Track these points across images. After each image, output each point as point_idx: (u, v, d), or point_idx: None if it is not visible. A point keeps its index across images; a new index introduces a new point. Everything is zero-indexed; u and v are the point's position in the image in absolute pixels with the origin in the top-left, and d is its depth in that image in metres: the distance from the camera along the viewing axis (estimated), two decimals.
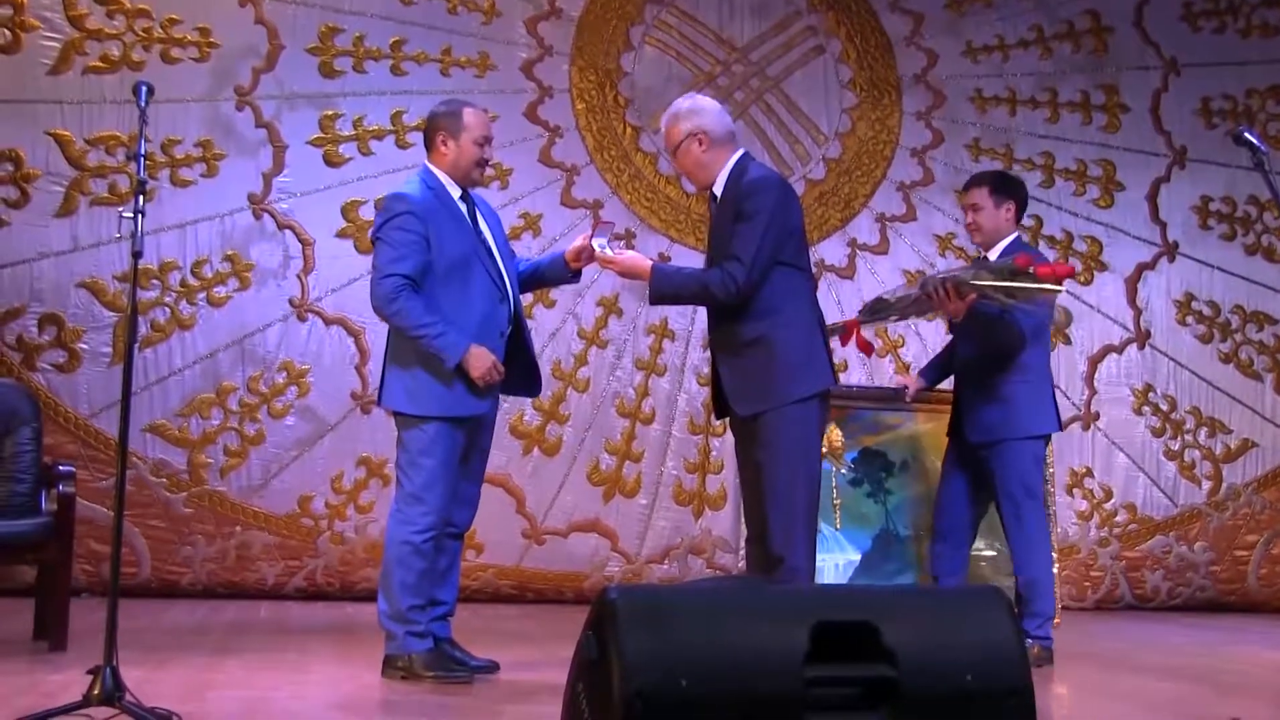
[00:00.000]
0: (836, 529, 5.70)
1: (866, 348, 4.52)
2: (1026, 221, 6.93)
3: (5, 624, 4.67)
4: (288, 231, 6.15)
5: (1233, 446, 6.95)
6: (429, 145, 3.99)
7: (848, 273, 6.74)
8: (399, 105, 6.30)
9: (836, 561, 5.71)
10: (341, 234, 6.18)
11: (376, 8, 6.32)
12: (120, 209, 3.12)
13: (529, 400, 6.14)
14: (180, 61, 6.07)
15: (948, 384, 4.72)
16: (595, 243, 3.90)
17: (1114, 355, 6.95)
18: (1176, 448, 6.92)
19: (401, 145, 6.24)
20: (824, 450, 5.54)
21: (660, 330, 6.54)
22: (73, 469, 4.57)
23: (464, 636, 4.04)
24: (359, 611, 5.48)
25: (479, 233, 3.95)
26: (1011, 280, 4.06)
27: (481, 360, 3.76)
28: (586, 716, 1.93)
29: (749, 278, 3.65)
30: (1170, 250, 7.05)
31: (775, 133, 6.79)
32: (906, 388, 4.76)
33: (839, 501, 5.66)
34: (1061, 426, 4.63)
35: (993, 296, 4.11)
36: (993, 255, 4.47)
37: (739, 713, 1.83)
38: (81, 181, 5.90)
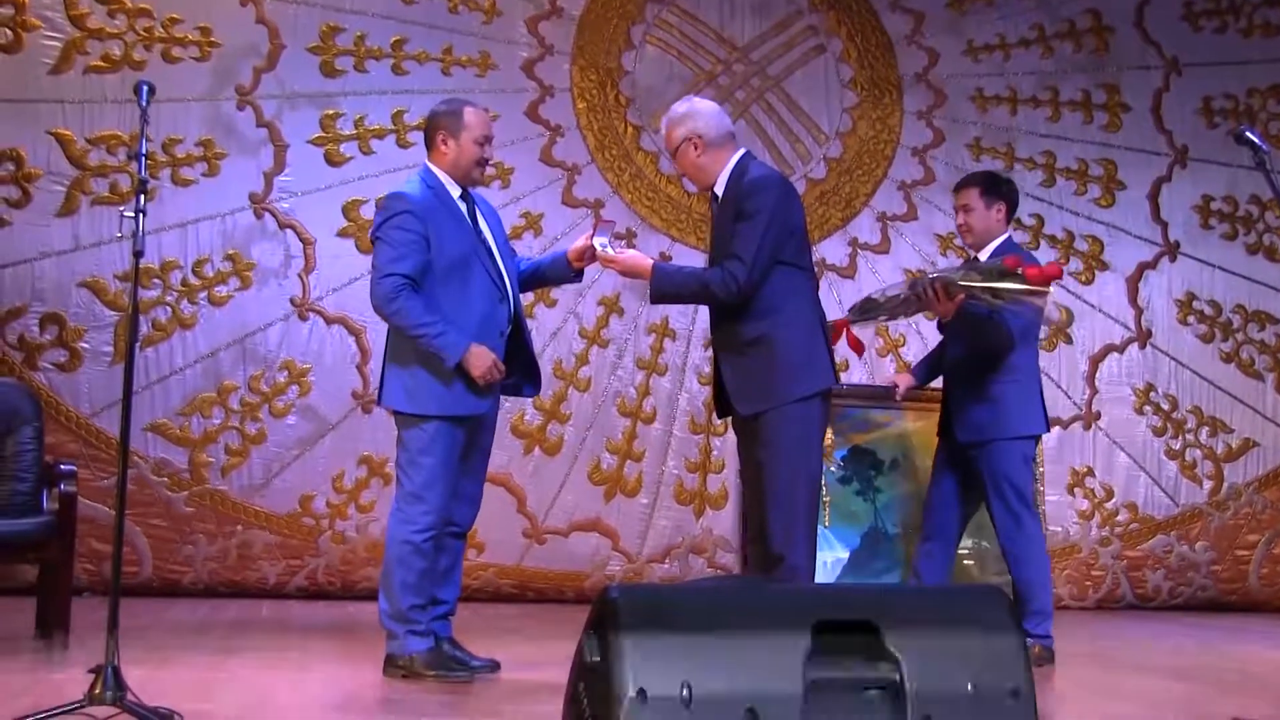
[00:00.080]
0: (825, 526, 5.72)
1: (858, 346, 4.53)
2: (1028, 221, 6.95)
3: (7, 623, 4.67)
4: (289, 231, 6.15)
5: (1234, 446, 6.95)
6: (429, 144, 3.99)
7: (849, 272, 6.74)
8: (400, 104, 6.30)
9: (825, 559, 5.72)
10: (343, 233, 6.18)
11: (377, 7, 6.33)
12: (121, 208, 3.12)
13: (530, 399, 6.15)
14: (181, 61, 6.07)
15: (938, 383, 4.73)
16: (597, 242, 3.90)
17: (1115, 354, 6.95)
18: (1178, 447, 6.92)
19: (402, 144, 6.25)
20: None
21: (661, 329, 6.54)
22: (74, 468, 4.58)
23: (465, 636, 4.04)
24: (360, 611, 5.49)
25: (479, 232, 3.95)
26: (1000, 281, 4.07)
27: (482, 359, 3.76)
28: (587, 716, 1.93)
29: (750, 277, 3.65)
30: (1171, 249, 7.05)
31: (776, 132, 6.79)
32: (897, 386, 4.77)
33: (828, 499, 5.68)
34: (1049, 427, 4.62)
35: (981, 297, 4.12)
36: (983, 256, 4.48)
37: (740, 712, 1.83)
38: (83, 181, 5.90)
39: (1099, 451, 6.86)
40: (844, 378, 6.24)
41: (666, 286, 3.84)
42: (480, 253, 3.90)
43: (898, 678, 1.89)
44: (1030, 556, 4.36)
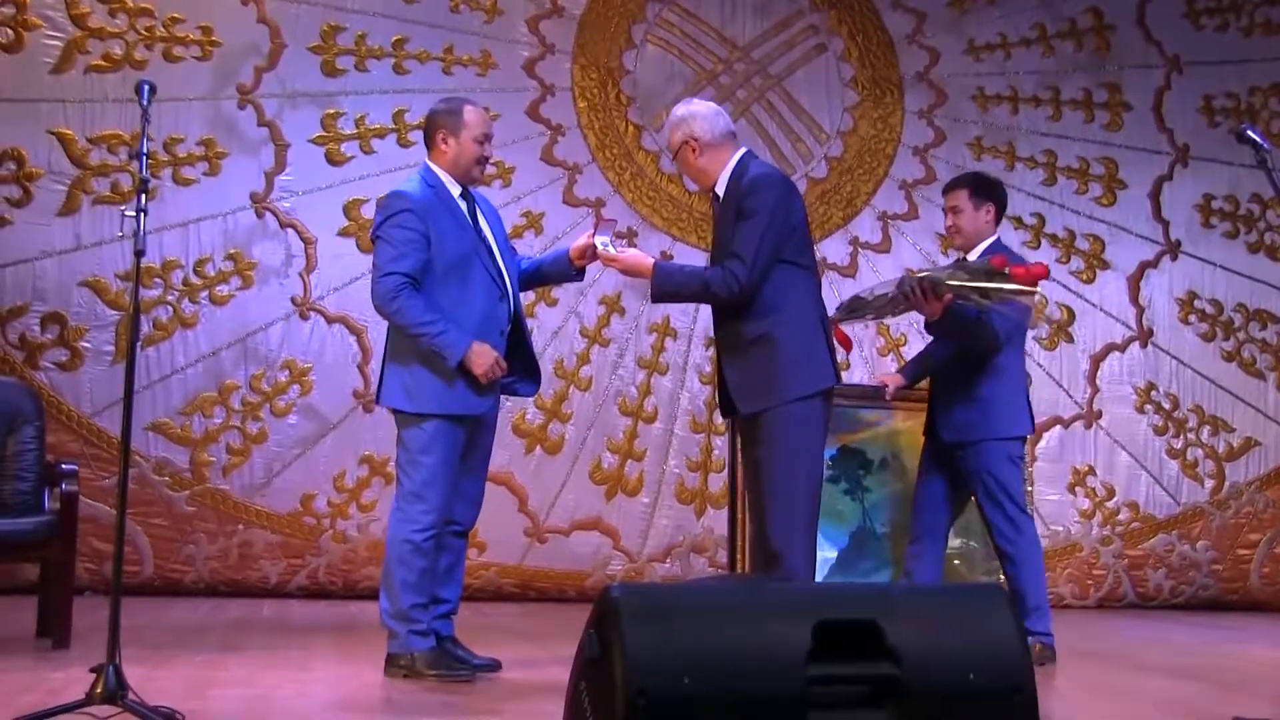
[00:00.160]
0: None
1: (847, 342, 4.54)
2: (1029, 220, 6.95)
3: (8, 622, 4.68)
4: (290, 230, 6.15)
5: (1235, 445, 6.95)
6: (429, 143, 3.99)
7: (850, 271, 6.73)
8: (401, 104, 6.30)
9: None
10: (343, 232, 6.18)
11: (378, 6, 6.33)
12: (122, 208, 3.12)
13: (531, 399, 6.14)
14: (182, 60, 6.07)
15: (928, 383, 4.73)
16: (598, 240, 3.90)
17: (1116, 353, 6.95)
18: (1179, 446, 6.91)
19: (403, 144, 6.25)
20: None
21: (662, 329, 6.54)
22: (75, 467, 4.57)
23: (466, 635, 4.04)
24: (361, 610, 5.49)
25: (479, 231, 3.95)
26: (987, 281, 4.08)
27: (484, 357, 3.76)
28: (589, 715, 1.93)
29: (750, 276, 3.65)
30: (1173, 248, 7.05)
31: (777, 131, 6.79)
32: (886, 386, 4.77)
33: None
34: (1035, 428, 4.63)
35: (968, 297, 4.12)
36: (972, 257, 4.49)
37: (741, 711, 1.83)
38: (84, 180, 5.90)
39: (1100, 450, 6.86)
40: (844, 376, 6.24)
41: (667, 285, 3.84)
42: (480, 251, 3.90)
43: (899, 676, 1.89)
44: (1027, 557, 4.36)
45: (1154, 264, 7.03)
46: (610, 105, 6.60)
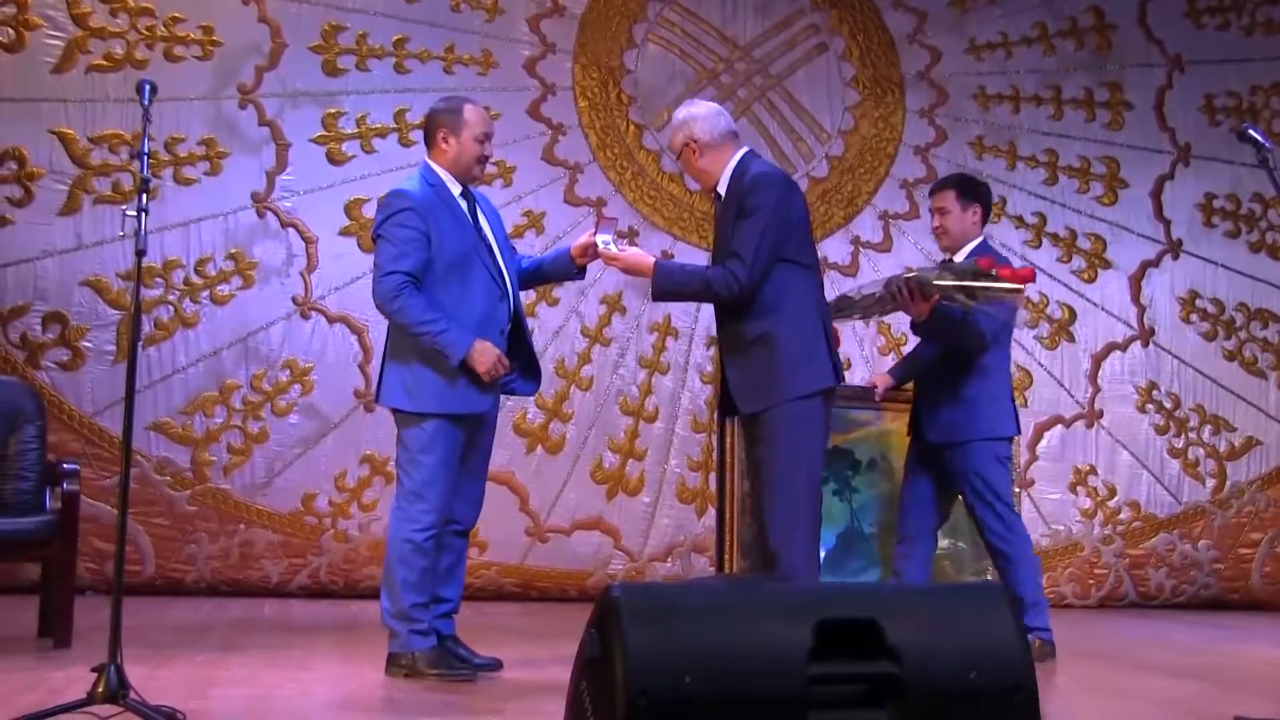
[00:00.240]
0: None
1: (835, 339, 4.55)
2: (1030, 219, 6.95)
3: (10, 621, 4.68)
4: (291, 229, 6.15)
5: (1236, 444, 6.94)
6: (429, 142, 3.99)
7: (851, 270, 6.73)
8: (402, 103, 6.30)
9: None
10: (344, 232, 6.18)
11: (379, 5, 6.33)
12: (124, 207, 3.11)
13: (532, 398, 6.14)
14: (183, 60, 6.07)
15: None
16: (599, 239, 3.91)
17: (1118, 353, 6.94)
18: (1180, 445, 6.91)
19: (404, 143, 6.25)
20: None
21: (663, 328, 6.54)
22: (77, 467, 4.56)
23: (467, 634, 4.04)
24: (362, 609, 5.49)
25: (479, 230, 3.95)
26: (974, 281, 4.08)
27: (486, 355, 3.76)
28: (590, 714, 1.93)
29: (750, 275, 3.65)
30: (1174, 248, 7.04)
31: (778, 130, 6.78)
32: (875, 387, 4.77)
33: None
34: (1020, 429, 4.66)
35: (954, 297, 4.13)
36: (959, 258, 4.51)
37: (742, 710, 1.82)
38: (85, 180, 5.90)
39: (1101, 449, 6.86)
40: (846, 376, 6.24)
41: (668, 284, 3.85)
42: (481, 250, 3.90)
43: (899, 675, 1.89)
44: (1022, 554, 4.38)
45: (1155, 263, 7.02)
46: (611, 104, 6.60)
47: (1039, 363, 6.87)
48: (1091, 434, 6.87)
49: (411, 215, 3.80)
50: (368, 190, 6.08)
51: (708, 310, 6.31)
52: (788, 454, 3.66)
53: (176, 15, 6.06)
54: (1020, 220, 6.94)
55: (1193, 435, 6.93)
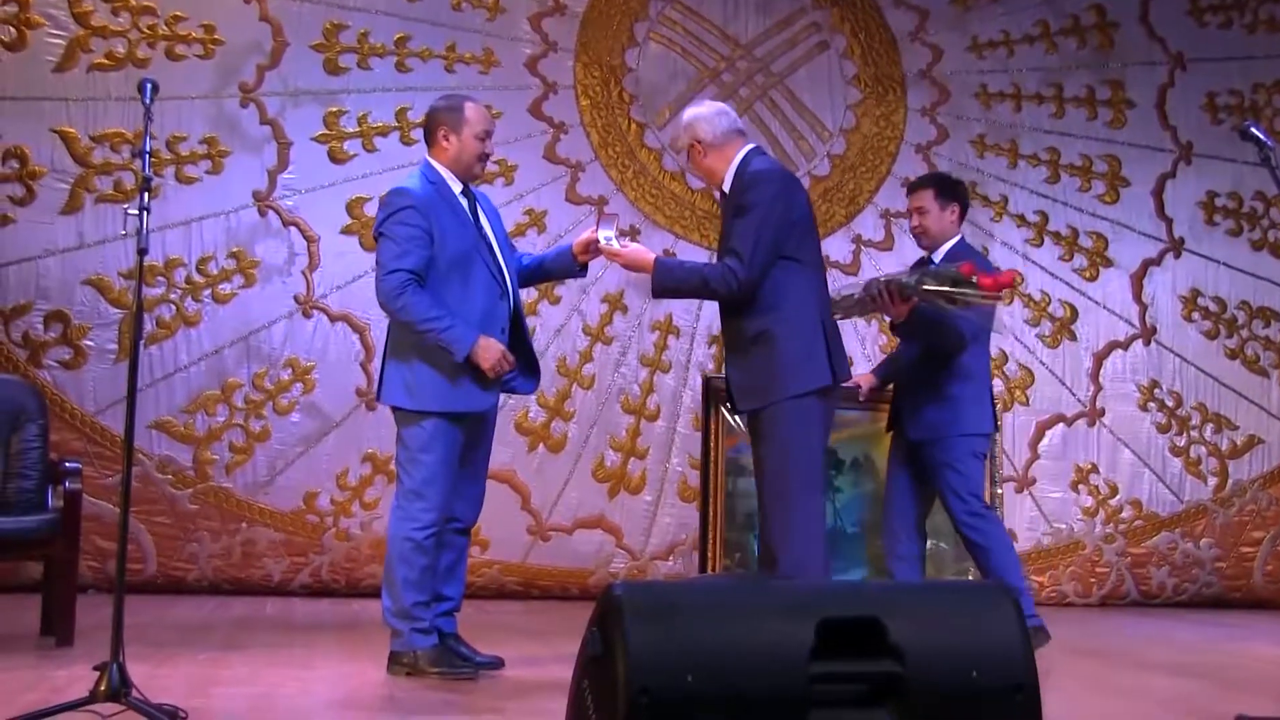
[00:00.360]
0: None
1: None
2: (1032, 217, 6.94)
3: (12, 620, 4.69)
4: (292, 228, 6.15)
5: (1239, 443, 6.94)
6: (430, 140, 3.99)
7: (852, 269, 6.73)
8: (403, 102, 6.30)
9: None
10: (346, 230, 6.18)
11: (381, 4, 6.33)
12: (125, 206, 3.11)
13: (533, 396, 6.14)
14: (185, 58, 6.07)
15: None
16: (601, 234, 3.92)
17: (1119, 351, 6.94)
18: (1182, 444, 6.91)
19: (406, 142, 6.24)
20: None
21: (665, 326, 6.54)
22: (79, 465, 4.57)
23: (469, 632, 4.04)
24: (364, 608, 5.49)
25: (480, 228, 3.95)
26: (953, 287, 4.09)
27: (491, 351, 3.76)
28: (591, 712, 1.93)
29: (748, 273, 3.65)
30: (1176, 246, 7.03)
31: (780, 129, 6.78)
32: (859, 387, 4.78)
33: None
34: (999, 427, 4.69)
35: (934, 302, 4.14)
36: (937, 257, 4.56)
37: (744, 709, 1.83)
38: (87, 179, 5.90)
39: (1103, 448, 6.85)
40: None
41: (668, 281, 3.85)
42: (481, 248, 3.91)
43: (902, 674, 1.89)
44: (998, 543, 4.43)
45: (1157, 261, 7.01)
46: (613, 103, 6.60)
47: (1041, 361, 6.86)
48: (1093, 432, 6.86)
49: (413, 213, 3.80)
50: (369, 189, 6.08)
51: (709, 308, 6.31)
52: (784, 453, 3.66)
53: (178, 14, 6.06)
54: (1022, 219, 6.94)
55: (1194, 434, 6.92)
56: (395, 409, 3.88)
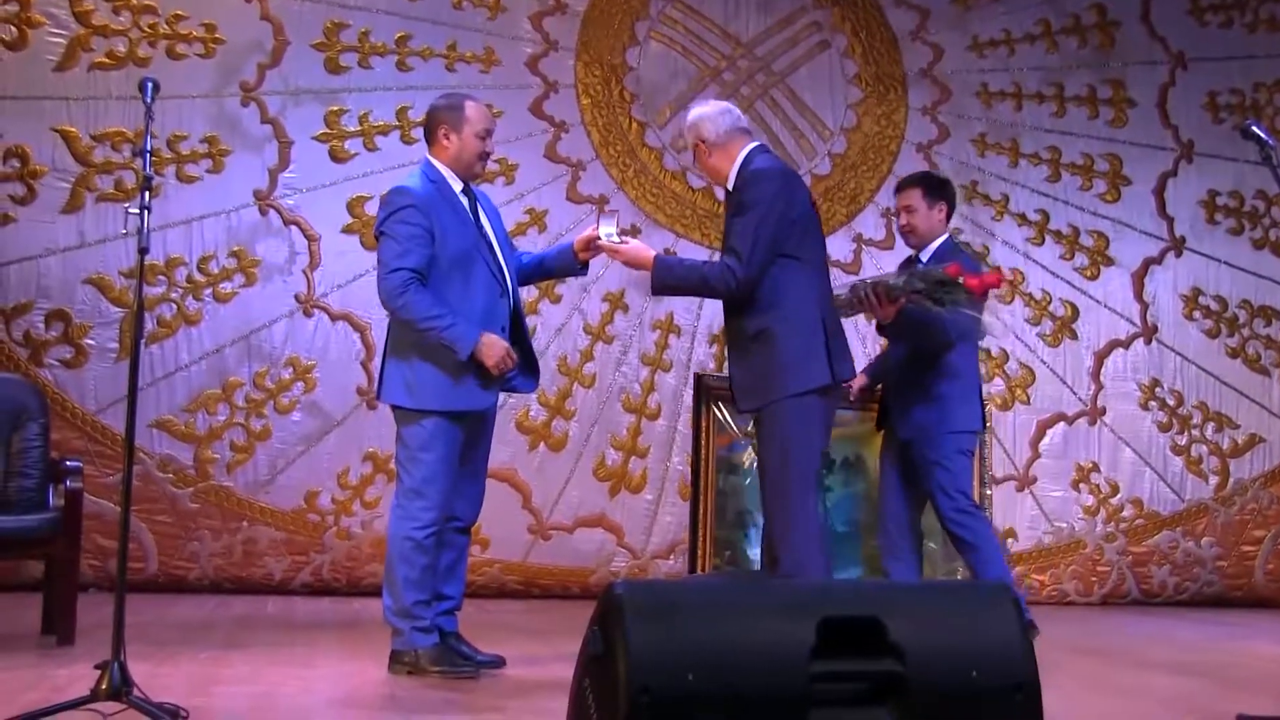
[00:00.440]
0: None
1: None
2: (1033, 216, 6.94)
3: (13, 619, 4.69)
4: (293, 227, 6.15)
5: (1240, 441, 6.94)
6: (430, 139, 3.99)
7: (853, 268, 6.73)
8: (404, 101, 6.30)
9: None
10: (347, 229, 6.18)
11: (381, 3, 6.32)
12: (126, 205, 3.11)
13: (534, 395, 6.15)
14: (186, 58, 6.07)
15: None
16: (601, 230, 3.93)
17: (1121, 350, 6.94)
18: (1183, 443, 6.91)
19: (407, 141, 6.24)
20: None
21: (666, 325, 6.54)
22: (80, 464, 4.57)
23: (470, 631, 4.04)
24: (365, 607, 5.49)
25: (480, 227, 3.95)
26: (939, 289, 4.10)
27: (494, 348, 3.76)
28: (592, 711, 1.93)
29: (746, 271, 3.66)
30: (1177, 245, 7.03)
31: (781, 128, 6.78)
32: (850, 386, 4.79)
33: None
34: (986, 425, 4.70)
35: (920, 303, 4.15)
36: (925, 255, 4.58)
37: (745, 708, 1.83)
38: (88, 178, 5.91)
39: (1104, 447, 6.85)
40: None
41: (667, 279, 3.86)
42: (482, 247, 3.91)
43: (902, 673, 1.89)
44: (985, 540, 4.45)
45: (1158, 260, 7.01)
46: (613, 102, 6.60)
47: (1042, 360, 6.86)
48: (1094, 431, 6.86)
49: (414, 212, 3.80)
50: (370, 188, 6.08)
51: (709, 307, 6.32)
52: (784, 452, 3.66)
53: (179, 13, 6.06)
54: (1023, 217, 6.94)
55: (1195, 432, 6.92)
56: (395, 408, 3.88)
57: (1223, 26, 7.15)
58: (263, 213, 6.13)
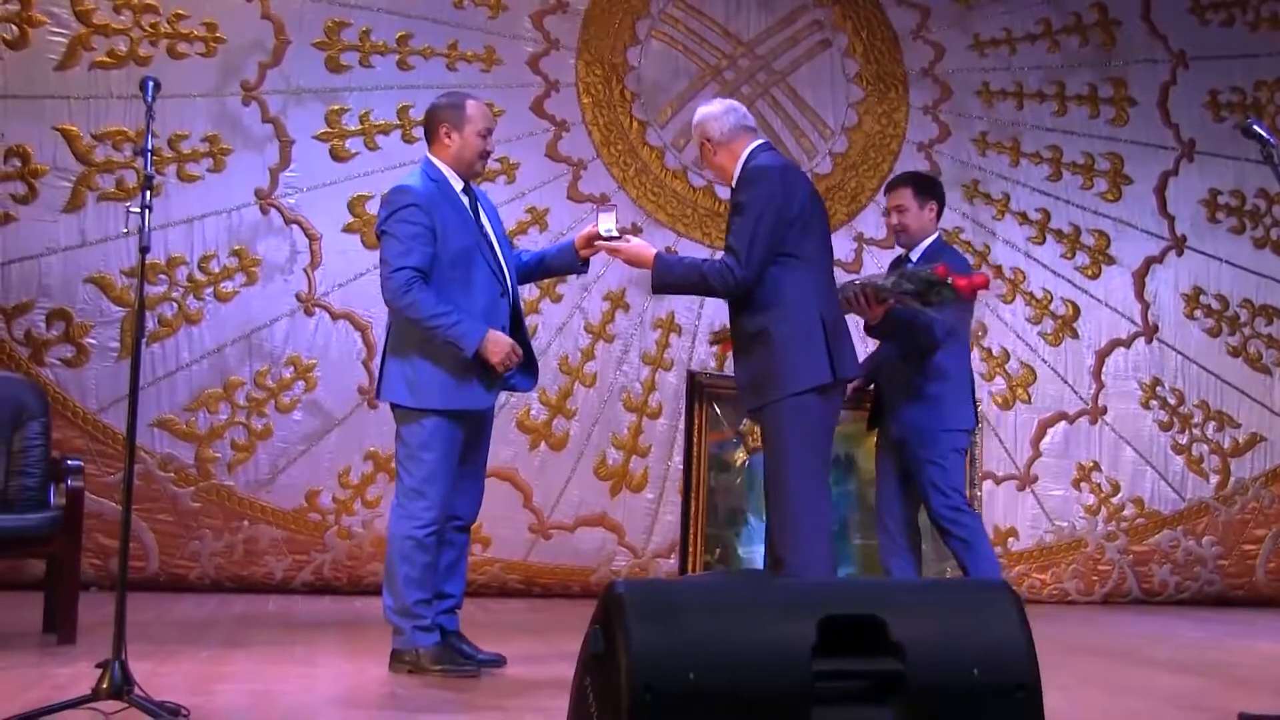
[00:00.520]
0: (763, 521, 5.72)
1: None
2: (1034, 215, 6.94)
3: (15, 617, 4.69)
4: (294, 226, 6.15)
5: (1241, 440, 6.93)
6: (431, 137, 3.99)
7: (854, 267, 6.72)
8: (405, 100, 6.30)
9: (763, 555, 5.71)
10: (348, 228, 6.19)
11: (382, 2, 6.32)
12: (127, 204, 3.12)
13: (535, 395, 6.16)
14: (187, 57, 6.08)
15: None
16: (601, 226, 3.93)
17: (1122, 349, 6.93)
18: (1184, 442, 6.90)
19: (408, 140, 6.24)
20: (756, 444, 5.55)
21: (667, 324, 6.54)
22: (81, 463, 4.57)
23: (471, 630, 4.05)
24: (366, 606, 5.49)
25: (480, 226, 3.95)
26: (928, 290, 4.11)
27: (500, 344, 3.77)
28: (593, 710, 1.93)
29: (744, 270, 3.66)
30: (1178, 244, 7.03)
31: (782, 127, 6.78)
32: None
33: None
34: (978, 422, 4.70)
35: (909, 304, 4.15)
36: (915, 255, 4.59)
37: (747, 706, 1.83)
38: (89, 177, 5.91)
39: (1105, 446, 6.85)
40: None
41: (668, 277, 3.86)
42: (482, 246, 3.91)
43: (903, 672, 1.89)
44: (977, 538, 4.44)
45: (1159, 259, 7.01)
46: (614, 101, 6.60)
47: (1043, 359, 6.86)
48: (1095, 430, 6.86)
49: (416, 211, 3.81)
50: (371, 187, 6.08)
51: (710, 306, 6.32)
52: (783, 451, 3.66)
53: (180, 12, 6.06)
54: (1024, 216, 6.93)
55: (1196, 431, 6.92)
56: (395, 406, 3.87)
57: (1224, 25, 7.15)
58: (264, 212, 6.13)
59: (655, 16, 6.70)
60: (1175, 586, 6.86)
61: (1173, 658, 4.82)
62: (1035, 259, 6.92)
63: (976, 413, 4.67)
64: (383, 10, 6.32)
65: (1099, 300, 6.94)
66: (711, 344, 6.15)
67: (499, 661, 3.94)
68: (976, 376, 6.12)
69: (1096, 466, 6.83)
